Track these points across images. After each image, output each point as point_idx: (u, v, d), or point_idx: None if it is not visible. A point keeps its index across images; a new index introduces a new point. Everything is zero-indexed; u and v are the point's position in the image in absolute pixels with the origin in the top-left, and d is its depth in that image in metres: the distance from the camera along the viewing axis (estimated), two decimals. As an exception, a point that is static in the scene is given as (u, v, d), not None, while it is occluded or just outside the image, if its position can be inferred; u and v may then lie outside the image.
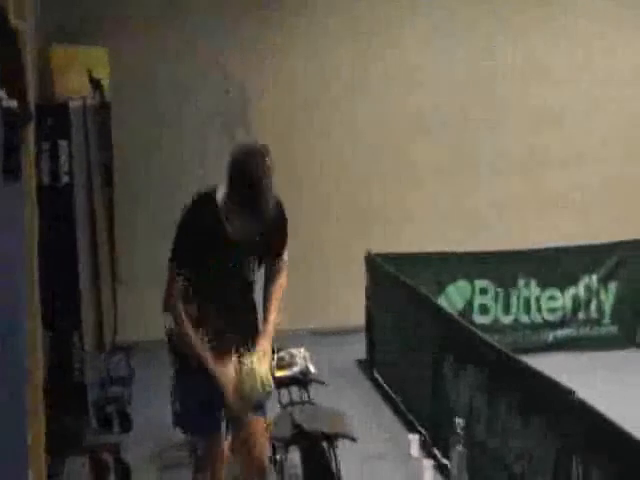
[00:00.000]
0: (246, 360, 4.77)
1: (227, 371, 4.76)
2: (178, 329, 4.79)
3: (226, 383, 4.73)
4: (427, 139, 11.14)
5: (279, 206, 4.87)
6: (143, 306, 10.19)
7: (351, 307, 9.99)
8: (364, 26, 11.00)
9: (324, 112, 11.02)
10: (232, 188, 4.64)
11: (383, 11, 11.02)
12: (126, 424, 7.87)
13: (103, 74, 9.34)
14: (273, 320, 4.91)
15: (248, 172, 4.59)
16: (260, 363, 4.77)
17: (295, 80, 10.97)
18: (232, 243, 4.76)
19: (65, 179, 6.87)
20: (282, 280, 5.04)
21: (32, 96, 5.52)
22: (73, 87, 8.25)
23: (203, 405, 4.82)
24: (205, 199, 4.78)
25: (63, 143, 6.90)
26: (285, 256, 5.05)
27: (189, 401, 4.96)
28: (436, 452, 6.98)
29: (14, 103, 4.21)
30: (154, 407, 8.16)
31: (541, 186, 11.29)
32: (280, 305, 5.00)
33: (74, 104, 7.35)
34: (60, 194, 6.84)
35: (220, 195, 4.73)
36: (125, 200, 10.19)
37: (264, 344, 4.83)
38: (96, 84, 8.87)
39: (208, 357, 4.74)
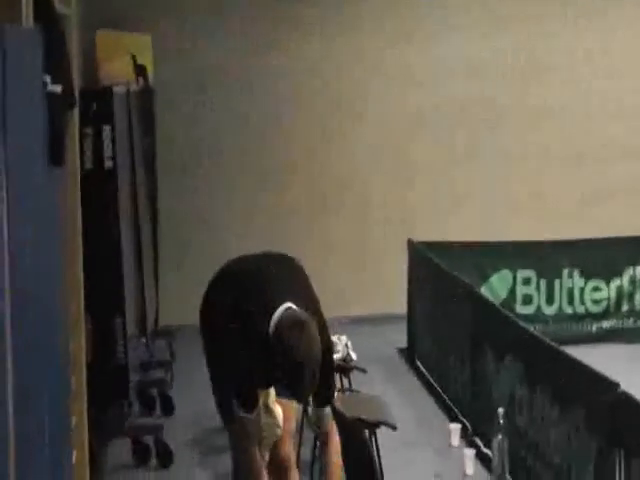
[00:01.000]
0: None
1: None
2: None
3: None
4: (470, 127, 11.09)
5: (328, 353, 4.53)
6: (186, 290, 10.25)
7: (393, 295, 9.97)
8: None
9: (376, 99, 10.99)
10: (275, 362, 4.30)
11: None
12: (168, 407, 7.92)
13: (147, 60, 9.39)
14: None
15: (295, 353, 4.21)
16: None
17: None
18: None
19: (108, 164, 6.89)
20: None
21: (76, 81, 5.54)
22: (117, 73, 8.29)
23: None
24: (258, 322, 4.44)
25: (107, 128, 6.91)
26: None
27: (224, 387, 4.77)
28: (477, 441, 6.96)
29: (58, 88, 4.23)
30: (196, 391, 8.18)
31: (585, 178, 11.18)
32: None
33: (118, 89, 7.37)
34: (103, 179, 6.87)
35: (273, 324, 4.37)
36: (168, 185, 10.23)
37: None
38: (140, 70, 8.91)
39: None
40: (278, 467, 5.05)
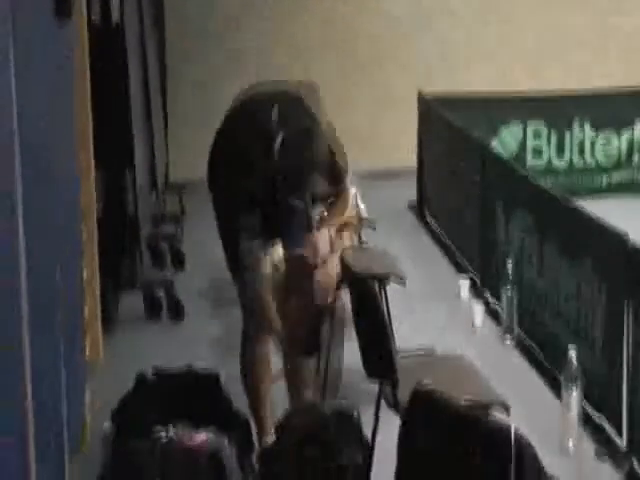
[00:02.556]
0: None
1: None
2: None
3: None
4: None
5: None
6: (196, 146, 10.22)
7: (402, 148, 9.93)
8: None
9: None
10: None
11: None
12: (179, 262, 7.98)
13: None
14: None
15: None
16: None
17: None
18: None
19: (116, 18, 6.78)
20: None
21: None
22: None
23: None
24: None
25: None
26: None
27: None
28: (486, 294, 7.02)
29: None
30: (206, 245, 8.22)
31: (602, 24, 10.98)
32: None
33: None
34: (111, 34, 6.76)
35: None
36: (176, 40, 10.10)
37: None
38: None
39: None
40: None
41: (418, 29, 10.83)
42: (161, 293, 7.02)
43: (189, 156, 10.01)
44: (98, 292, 5.93)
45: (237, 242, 4.60)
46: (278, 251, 4.91)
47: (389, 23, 10.82)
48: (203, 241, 8.39)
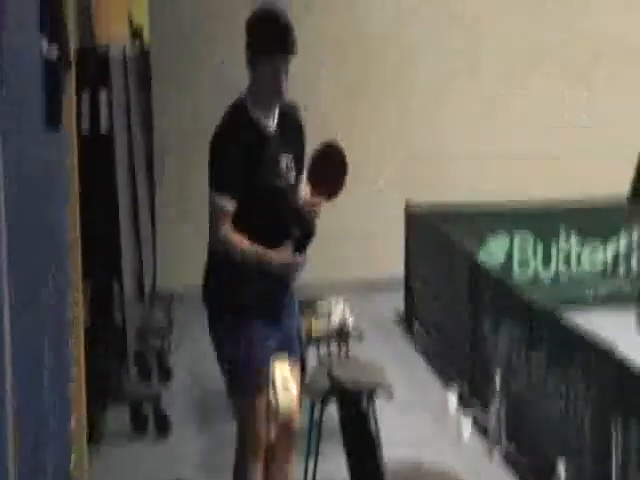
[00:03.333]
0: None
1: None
2: (234, 250, 4.61)
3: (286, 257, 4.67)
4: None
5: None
6: (183, 254, 10.24)
7: (391, 260, 9.96)
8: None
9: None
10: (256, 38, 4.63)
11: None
12: (166, 374, 7.92)
13: (143, 23, 9.33)
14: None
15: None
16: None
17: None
18: (269, 145, 4.68)
19: (105, 128, 6.86)
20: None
21: (72, 44, 5.49)
22: (114, 35, 8.22)
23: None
24: (239, 108, 4.69)
25: (103, 92, 6.88)
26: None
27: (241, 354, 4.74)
28: (474, 406, 6.97)
29: (55, 51, 4.20)
30: (194, 357, 8.21)
31: (587, 137, 11.11)
32: None
33: (114, 52, 7.33)
34: (100, 143, 6.83)
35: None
36: (165, 148, 10.20)
37: None
38: (136, 32, 8.85)
39: (270, 252, 4.63)
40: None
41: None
42: (148, 407, 6.95)
43: (177, 266, 10.05)
44: (84, 405, 5.86)
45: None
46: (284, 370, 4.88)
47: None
48: (191, 353, 8.38)
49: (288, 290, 4.84)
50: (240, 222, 4.62)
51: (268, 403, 4.74)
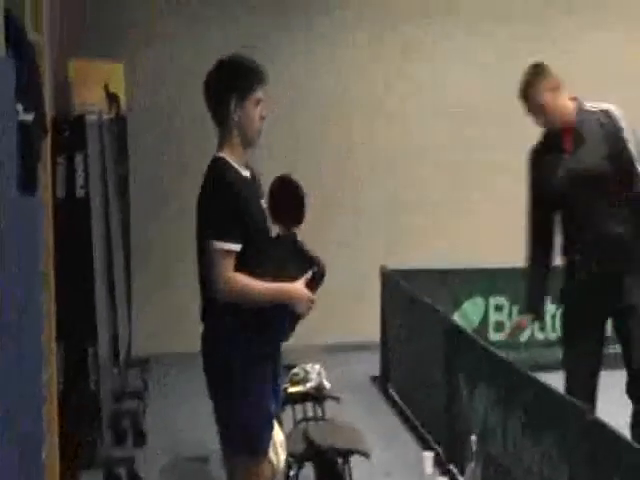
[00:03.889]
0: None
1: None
2: (244, 297, 4.57)
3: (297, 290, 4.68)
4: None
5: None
6: (159, 320, 10.23)
7: (366, 322, 9.97)
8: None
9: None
10: None
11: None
12: (140, 438, 7.86)
13: (119, 88, 9.40)
14: None
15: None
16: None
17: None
18: (253, 191, 4.76)
19: (81, 193, 6.88)
20: None
21: (49, 109, 5.53)
22: (90, 101, 8.28)
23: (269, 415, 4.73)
24: (225, 163, 4.71)
25: (79, 156, 6.92)
26: None
27: (257, 414, 4.69)
28: (451, 469, 6.95)
29: (30, 116, 4.23)
30: (168, 421, 8.17)
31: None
32: None
33: (90, 118, 7.38)
34: (76, 208, 6.85)
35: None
36: (141, 213, 10.22)
37: None
38: (112, 98, 8.92)
39: (276, 286, 4.64)
40: None
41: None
42: (122, 471, 6.89)
43: (152, 330, 10.03)
44: (58, 470, 5.81)
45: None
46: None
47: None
48: (165, 416, 8.33)
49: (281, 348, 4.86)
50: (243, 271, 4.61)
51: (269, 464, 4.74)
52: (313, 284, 4.70)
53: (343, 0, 11.16)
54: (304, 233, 5.03)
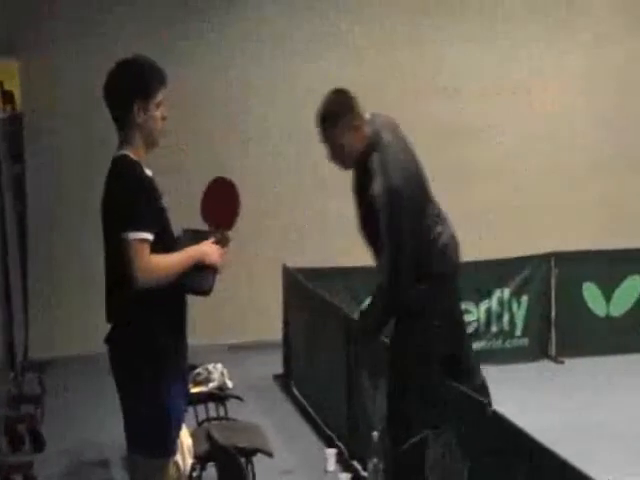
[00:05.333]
0: None
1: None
2: (166, 273, 4.56)
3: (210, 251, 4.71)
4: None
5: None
6: (55, 323, 10.07)
7: (268, 321, 9.96)
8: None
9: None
10: None
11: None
12: (38, 443, 7.72)
13: (14, 87, 9.25)
14: None
15: None
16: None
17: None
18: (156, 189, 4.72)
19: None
20: None
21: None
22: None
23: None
24: (132, 160, 4.65)
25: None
26: None
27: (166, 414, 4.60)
28: (355, 465, 6.98)
29: None
30: (67, 425, 8.06)
31: (459, 201, 11.34)
32: None
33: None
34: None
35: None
36: (37, 214, 10.06)
37: None
38: (7, 97, 8.78)
39: (187, 250, 4.65)
40: None
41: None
42: (18, 477, 6.77)
43: (50, 333, 9.87)
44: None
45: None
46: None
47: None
48: (65, 420, 8.21)
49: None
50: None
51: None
52: (220, 245, 4.78)
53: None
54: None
